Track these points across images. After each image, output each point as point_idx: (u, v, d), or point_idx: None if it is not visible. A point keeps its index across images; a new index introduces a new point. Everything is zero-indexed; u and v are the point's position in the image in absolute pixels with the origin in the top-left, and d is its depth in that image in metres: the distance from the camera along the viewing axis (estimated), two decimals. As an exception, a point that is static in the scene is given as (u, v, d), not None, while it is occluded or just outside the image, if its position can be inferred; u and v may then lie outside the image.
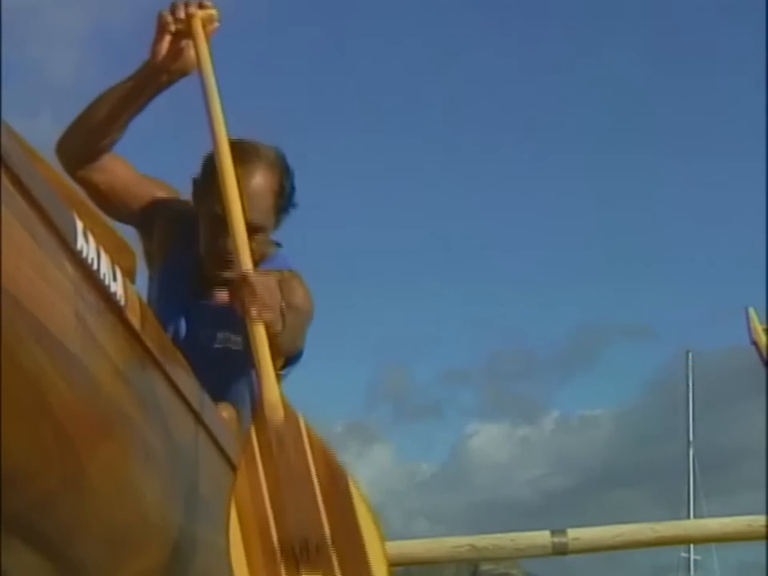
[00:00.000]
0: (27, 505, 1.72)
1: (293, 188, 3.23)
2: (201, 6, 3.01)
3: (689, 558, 32.07)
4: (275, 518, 2.29)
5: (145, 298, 2.69)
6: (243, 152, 3.04)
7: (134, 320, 1.90)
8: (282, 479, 2.33)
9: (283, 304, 2.72)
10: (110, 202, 3.18)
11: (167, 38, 3.01)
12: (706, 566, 32.88)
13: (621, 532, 4.54)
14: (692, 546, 23.85)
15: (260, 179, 3.14)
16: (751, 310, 5.07)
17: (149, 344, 1.95)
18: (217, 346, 3.24)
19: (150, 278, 3.35)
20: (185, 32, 3.00)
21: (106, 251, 1.82)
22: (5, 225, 1.49)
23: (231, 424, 3.25)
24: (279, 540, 2.27)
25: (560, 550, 4.48)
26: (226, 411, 3.21)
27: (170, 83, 3.08)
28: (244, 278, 2.59)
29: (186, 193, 3.30)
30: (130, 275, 1.94)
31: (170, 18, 3.01)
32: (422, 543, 4.56)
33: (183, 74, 3.06)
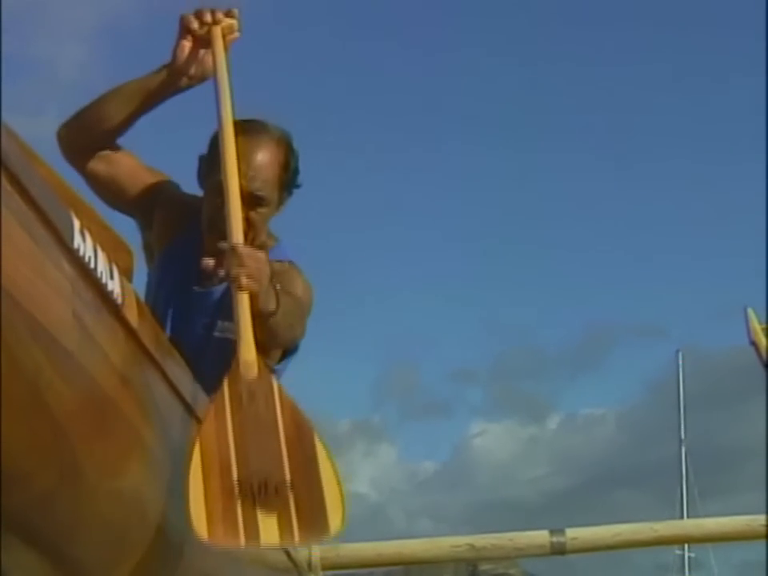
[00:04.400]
0: (25, 503, 1.72)
1: (297, 168, 3.26)
2: (226, 15, 3.05)
3: (683, 556, 32.11)
4: (237, 459, 2.36)
5: (142, 296, 2.69)
6: (251, 127, 3.13)
7: (131, 318, 1.90)
8: (248, 427, 2.41)
9: (278, 286, 2.77)
10: (110, 192, 3.20)
11: (189, 43, 3.05)
12: (705, 564, 32.91)
13: (619, 531, 4.54)
14: (687, 544, 23.87)
15: (266, 151, 3.17)
16: (750, 311, 5.07)
17: (146, 342, 1.96)
18: (216, 334, 3.21)
19: (150, 267, 3.35)
20: (206, 38, 3.03)
21: (103, 249, 1.82)
22: (3, 224, 1.49)
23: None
24: (239, 478, 2.34)
25: (558, 550, 4.48)
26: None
27: (186, 87, 3.11)
28: (233, 248, 2.65)
29: (188, 187, 3.32)
30: (127, 273, 1.94)
31: (195, 24, 3.04)
32: (421, 542, 4.55)
33: (201, 80, 3.10)
